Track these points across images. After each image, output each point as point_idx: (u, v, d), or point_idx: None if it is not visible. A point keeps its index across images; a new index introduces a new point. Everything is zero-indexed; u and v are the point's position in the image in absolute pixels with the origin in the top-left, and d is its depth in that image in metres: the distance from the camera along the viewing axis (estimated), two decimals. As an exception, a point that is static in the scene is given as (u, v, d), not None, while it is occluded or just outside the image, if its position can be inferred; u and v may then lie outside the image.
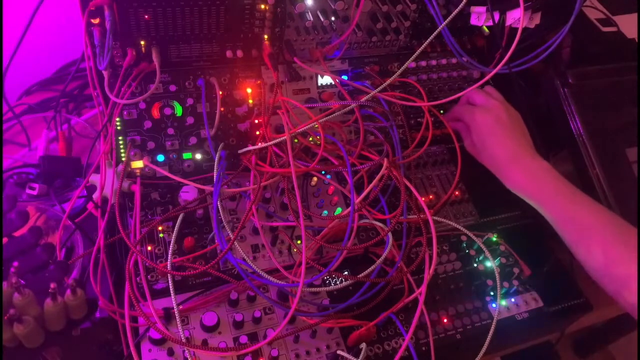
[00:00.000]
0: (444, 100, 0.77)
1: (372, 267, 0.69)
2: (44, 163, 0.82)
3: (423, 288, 0.69)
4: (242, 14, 0.77)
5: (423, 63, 0.96)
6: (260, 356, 0.67)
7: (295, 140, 0.84)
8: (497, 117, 0.84)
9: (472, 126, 0.86)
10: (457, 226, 0.82)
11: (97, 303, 0.64)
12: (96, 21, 0.70)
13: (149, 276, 0.70)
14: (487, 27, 0.94)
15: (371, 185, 0.76)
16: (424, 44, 0.73)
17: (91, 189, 0.75)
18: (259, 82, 0.84)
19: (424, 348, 0.74)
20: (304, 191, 0.83)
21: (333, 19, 0.82)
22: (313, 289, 0.72)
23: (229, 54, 0.81)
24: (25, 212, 0.68)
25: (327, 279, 0.77)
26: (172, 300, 0.64)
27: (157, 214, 0.76)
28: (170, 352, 0.65)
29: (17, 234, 0.67)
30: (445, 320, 0.77)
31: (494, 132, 0.84)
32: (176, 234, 0.70)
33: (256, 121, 0.83)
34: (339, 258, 0.72)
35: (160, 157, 0.80)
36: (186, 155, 0.81)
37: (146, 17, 0.72)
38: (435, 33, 0.71)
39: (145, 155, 0.78)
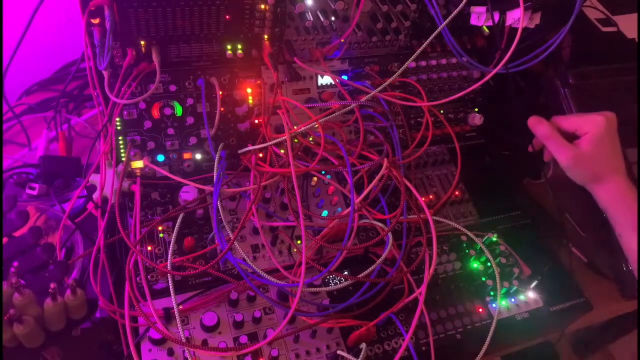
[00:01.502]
0: (444, 100, 0.77)
1: (372, 267, 0.69)
2: (44, 163, 0.82)
3: (423, 288, 0.69)
4: (242, 14, 0.77)
5: (423, 63, 0.96)
6: (260, 356, 0.67)
7: (295, 140, 0.84)
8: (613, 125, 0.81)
9: (595, 131, 0.80)
10: (457, 226, 0.82)
11: (97, 303, 0.64)
12: (96, 21, 0.70)
13: (149, 276, 0.70)
14: (487, 27, 0.94)
15: (371, 185, 0.76)
16: (424, 44, 0.73)
17: (91, 189, 0.75)
18: (259, 82, 0.84)
19: (424, 348, 0.74)
20: (304, 191, 0.83)
21: (333, 19, 0.82)
22: (313, 289, 0.72)
23: (229, 54, 0.81)
24: (25, 212, 0.69)
25: (327, 279, 0.77)
26: (172, 300, 0.64)
27: (157, 214, 0.76)
28: (170, 352, 0.65)
29: (17, 234, 0.67)
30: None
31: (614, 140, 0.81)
32: (176, 234, 0.70)
33: (256, 121, 0.83)
34: (339, 258, 0.73)
35: (160, 157, 0.80)
36: (186, 155, 0.81)
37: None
38: (435, 33, 0.71)
39: (145, 155, 0.78)
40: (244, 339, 0.67)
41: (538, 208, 0.99)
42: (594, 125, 0.79)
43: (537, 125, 0.83)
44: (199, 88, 0.81)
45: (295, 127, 0.77)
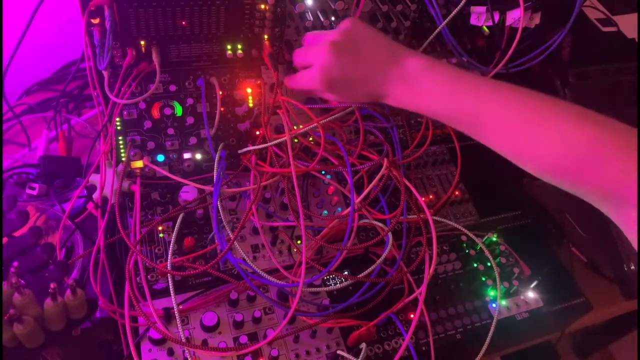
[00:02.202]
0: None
1: (372, 267, 0.69)
2: (44, 163, 0.82)
3: (423, 288, 0.70)
4: (242, 14, 0.77)
5: (423, 63, 0.96)
6: (260, 356, 0.67)
7: (295, 140, 0.84)
8: (345, 33, 0.67)
9: (323, 62, 0.68)
10: (457, 226, 0.82)
11: (97, 303, 0.64)
12: (96, 21, 0.70)
13: (149, 276, 0.70)
14: (487, 27, 0.94)
15: (371, 185, 0.76)
16: (424, 44, 0.73)
17: (91, 189, 0.75)
18: (259, 82, 0.84)
19: (424, 348, 0.74)
20: (304, 191, 0.83)
21: (333, 19, 0.82)
22: (313, 289, 0.72)
23: (229, 54, 0.81)
24: (25, 212, 0.69)
25: (327, 279, 0.77)
26: (172, 300, 0.64)
27: (157, 214, 0.76)
28: (170, 352, 0.65)
29: (17, 234, 0.67)
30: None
31: (358, 48, 0.67)
32: (176, 234, 0.70)
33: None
34: (339, 258, 0.73)
35: (160, 157, 0.80)
36: (186, 155, 0.81)
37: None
38: (435, 32, 0.71)
39: (145, 155, 0.78)
40: (244, 339, 0.67)
41: (538, 208, 0.99)
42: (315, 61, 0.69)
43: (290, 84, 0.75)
44: (199, 88, 0.81)
45: (295, 127, 0.77)
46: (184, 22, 0.74)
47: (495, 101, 0.62)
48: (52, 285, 0.55)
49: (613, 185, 0.53)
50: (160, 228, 0.75)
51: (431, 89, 0.64)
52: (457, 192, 0.92)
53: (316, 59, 0.68)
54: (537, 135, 0.58)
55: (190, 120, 0.81)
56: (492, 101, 0.62)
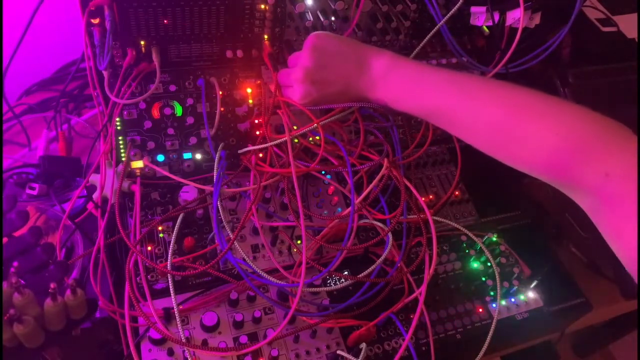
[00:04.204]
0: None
1: (372, 267, 0.69)
2: (44, 163, 0.82)
3: (423, 288, 0.70)
4: (242, 14, 0.77)
5: (423, 63, 0.96)
6: (260, 356, 0.67)
7: (295, 141, 0.84)
8: (314, 47, 0.69)
9: (300, 86, 0.71)
10: (457, 226, 0.82)
11: (97, 303, 0.64)
12: (96, 21, 0.70)
13: (149, 276, 0.70)
14: (487, 27, 0.94)
15: (371, 186, 0.76)
16: (424, 41, 0.73)
17: (91, 189, 0.75)
18: (259, 82, 0.84)
19: (424, 348, 0.74)
20: (304, 191, 0.83)
21: (333, 19, 0.82)
22: (313, 289, 0.72)
23: (229, 54, 0.81)
24: (25, 212, 0.68)
25: (327, 279, 0.77)
26: (172, 300, 0.64)
27: (157, 214, 0.76)
28: (170, 352, 0.65)
29: (17, 234, 0.67)
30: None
31: (329, 57, 0.69)
32: (176, 234, 0.70)
33: (256, 121, 0.83)
34: (339, 258, 0.73)
35: (160, 157, 0.80)
36: (186, 155, 0.81)
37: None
38: (434, 30, 0.72)
39: (145, 155, 0.78)
40: (244, 339, 0.67)
41: (538, 208, 0.99)
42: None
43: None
44: (199, 88, 0.81)
45: (295, 127, 0.77)
46: (184, 22, 0.74)
47: (460, 95, 0.62)
48: (52, 285, 0.55)
49: (595, 187, 0.51)
50: (160, 228, 0.75)
51: (396, 87, 0.67)
52: (457, 192, 0.92)
53: (294, 82, 0.73)
54: (510, 131, 0.57)
55: (190, 120, 0.81)
56: (456, 95, 0.62)
